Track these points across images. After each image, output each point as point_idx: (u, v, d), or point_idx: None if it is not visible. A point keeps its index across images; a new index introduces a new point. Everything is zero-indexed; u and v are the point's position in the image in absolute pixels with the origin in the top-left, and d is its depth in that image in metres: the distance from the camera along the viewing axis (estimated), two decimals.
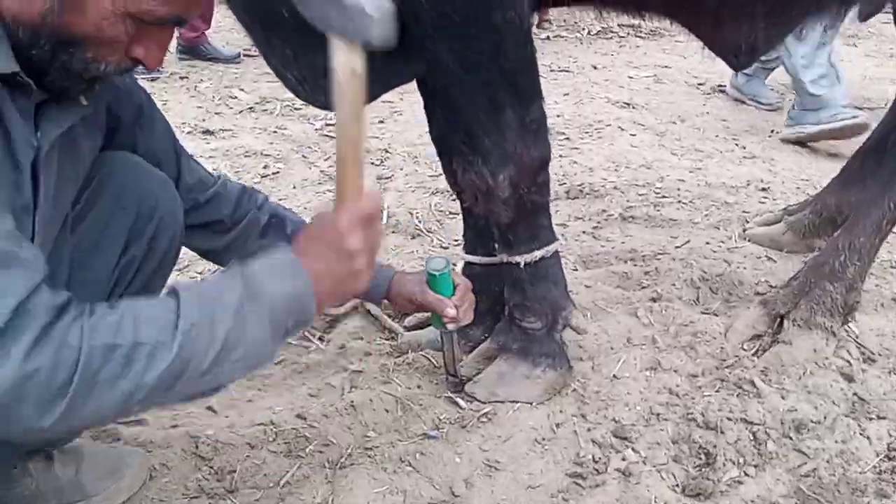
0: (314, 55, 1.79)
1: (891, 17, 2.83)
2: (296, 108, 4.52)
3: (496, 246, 2.00)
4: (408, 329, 2.35)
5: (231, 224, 1.75)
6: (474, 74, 1.65)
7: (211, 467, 1.79)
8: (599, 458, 1.81)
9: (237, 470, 1.78)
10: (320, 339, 2.34)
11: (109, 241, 1.49)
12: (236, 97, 4.67)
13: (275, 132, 4.16)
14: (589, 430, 1.89)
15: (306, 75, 1.82)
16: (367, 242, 1.33)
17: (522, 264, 1.95)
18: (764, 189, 3.49)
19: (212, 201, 1.71)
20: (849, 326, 2.30)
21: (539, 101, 1.78)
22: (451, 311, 1.85)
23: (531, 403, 1.98)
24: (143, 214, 1.52)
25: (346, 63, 1.34)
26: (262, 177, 3.58)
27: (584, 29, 6.71)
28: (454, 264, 2.29)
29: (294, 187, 3.49)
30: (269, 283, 1.21)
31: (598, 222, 3.11)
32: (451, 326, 1.90)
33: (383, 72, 1.89)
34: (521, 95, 1.72)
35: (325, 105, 1.90)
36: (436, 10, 1.56)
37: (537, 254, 1.94)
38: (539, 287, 1.99)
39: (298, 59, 1.79)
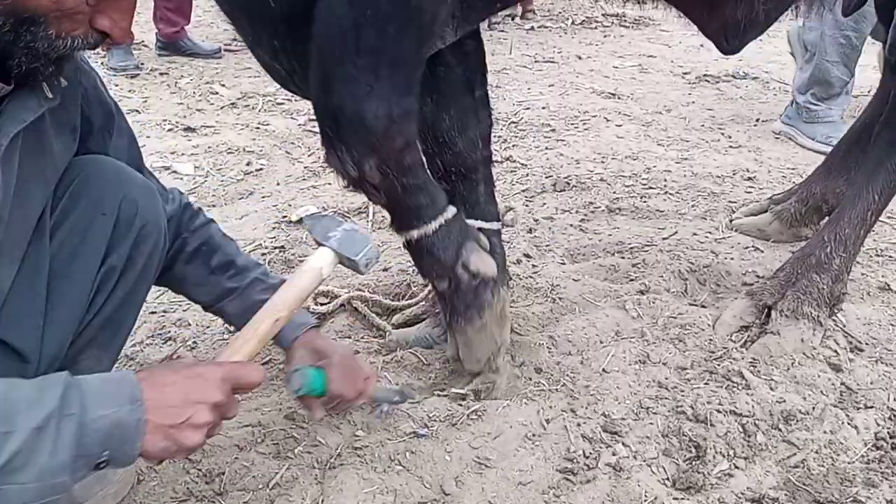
0: (304, 45, 1.76)
1: (871, 5, 2.84)
2: (278, 104, 4.49)
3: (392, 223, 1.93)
4: (396, 327, 2.34)
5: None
6: (356, 57, 1.56)
7: (199, 470, 1.77)
8: (590, 454, 1.80)
9: (226, 472, 1.76)
10: None
11: (88, 249, 1.45)
12: (217, 93, 4.63)
13: (257, 128, 4.12)
14: (579, 425, 1.88)
15: (295, 66, 1.79)
16: (223, 404, 1.22)
17: (407, 241, 1.88)
18: (750, 178, 3.50)
19: None
20: (836, 316, 2.30)
21: (411, 99, 1.69)
22: (318, 414, 1.73)
23: (520, 401, 1.97)
24: (123, 221, 1.48)
25: (321, 266, 1.50)
26: (245, 174, 3.55)
27: (568, 19, 6.70)
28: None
29: (278, 183, 3.46)
30: (93, 403, 1.09)
31: (585, 215, 3.11)
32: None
33: None
34: (395, 89, 1.63)
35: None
36: None
37: (415, 233, 1.85)
38: (427, 259, 1.90)
39: (287, 50, 1.76)
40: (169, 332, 2.36)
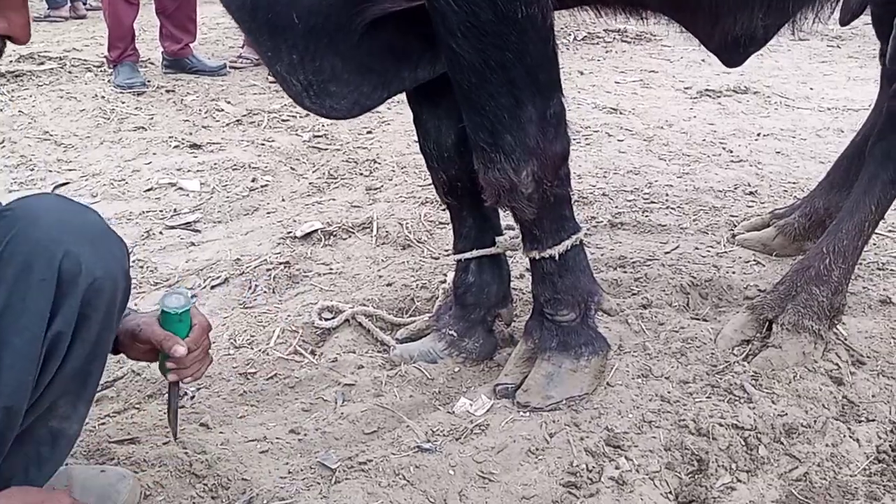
0: (321, 60, 1.80)
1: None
2: (283, 121, 4.53)
3: (525, 244, 2.00)
4: (400, 341, 2.35)
5: None
6: (498, 71, 1.66)
7: (205, 485, 1.79)
8: (593, 467, 1.81)
9: (230, 487, 1.78)
10: (312, 352, 2.34)
11: (28, 317, 1.31)
12: (223, 110, 4.67)
13: (262, 144, 4.16)
14: (582, 438, 1.89)
15: (312, 80, 1.83)
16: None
17: (553, 257, 1.95)
18: (751, 193, 3.52)
19: None
20: (837, 329, 2.31)
21: (559, 95, 1.80)
22: (181, 350, 1.57)
23: (524, 415, 1.98)
24: (65, 282, 1.33)
25: None
26: (251, 190, 3.59)
27: (570, 35, 6.75)
28: (200, 302, 2.20)
29: (283, 200, 3.49)
30: None
31: (588, 229, 3.13)
32: (171, 377, 1.67)
33: (387, 79, 1.91)
34: (541, 91, 1.74)
35: (329, 111, 1.91)
36: (462, 8, 1.57)
37: (566, 244, 1.94)
38: (568, 278, 2.00)
39: (305, 64, 1.80)
40: None
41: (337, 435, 1.95)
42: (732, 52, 2.13)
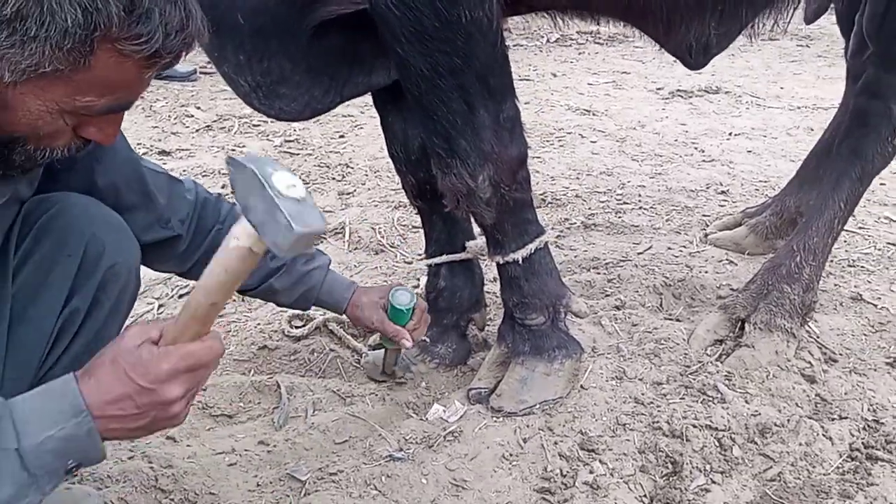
0: (270, 61, 1.77)
1: None
2: (254, 125, 4.48)
3: (489, 248, 1.99)
4: (372, 348, 2.32)
5: (190, 244, 1.69)
6: (447, 77, 1.64)
7: (172, 500, 1.74)
8: (567, 472, 1.79)
9: (198, 502, 1.73)
10: (282, 361, 2.30)
11: (50, 290, 1.40)
12: (193, 115, 4.61)
13: (233, 150, 4.11)
14: (556, 443, 1.87)
15: (260, 82, 1.80)
16: (187, 389, 1.18)
17: (517, 261, 1.93)
18: (723, 192, 3.53)
19: (178, 222, 1.66)
20: (809, 327, 2.32)
21: (512, 99, 1.78)
22: (408, 344, 1.93)
23: (498, 420, 1.95)
24: (88, 262, 1.43)
25: (247, 244, 1.15)
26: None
27: (543, 37, 6.77)
28: (419, 293, 2.30)
29: None
30: (34, 427, 1.10)
31: (561, 231, 3.12)
32: (397, 347, 1.97)
33: (340, 83, 1.88)
34: (493, 94, 1.72)
35: (278, 113, 1.88)
36: (405, 14, 1.55)
37: (530, 247, 1.93)
38: (535, 282, 1.98)
39: (252, 65, 1.77)
40: None
41: (307, 446, 1.91)
42: (691, 56, 2.13)
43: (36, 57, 1.06)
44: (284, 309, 2.49)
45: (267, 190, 1.06)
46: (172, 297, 2.67)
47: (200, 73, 5.58)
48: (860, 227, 3.10)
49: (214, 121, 4.55)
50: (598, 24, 1.98)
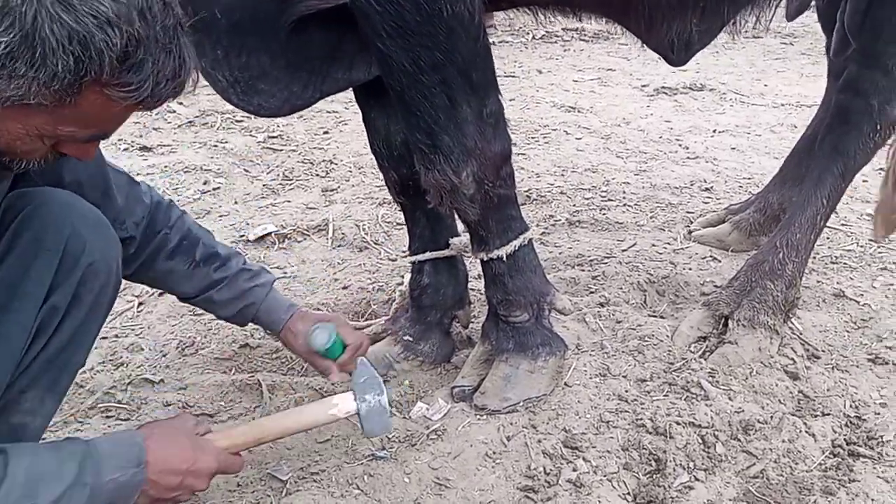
0: (248, 56, 1.74)
1: None
2: (237, 121, 4.43)
3: (473, 245, 1.97)
4: None
5: (138, 244, 1.67)
6: (429, 72, 1.62)
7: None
8: (551, 470, 1.78)
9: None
10: (263, 359, 2.27)
11: (30, 286, 1.38)
12: (174, 111, 4.55)
13: (215, 146, 4.07)
14: (540, 441, 1.86)
15: (238, 77, 1.78)
16: (199, 489, 1.45)
17: (501, 257, 1.91)
18: (707, 189, 3.53)
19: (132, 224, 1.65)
20: (792, 323, 2.33)
21: (495, 94, 1.76)
22: (335, 377, 1.85)
23: (481, 418, 1.94)
24: (68, 258, 1.41)
25: (340, 416, 1.66)
26: (203, 193, 3.49)
27: (528, 34, 6.75)
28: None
29: (235, 202, 3.41)
30: (105, 469, 1.27)
31: (546, 228, 3.11)
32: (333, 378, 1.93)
33: (319, 78, 1.86)
34: (476, 90, 1.70)
35: (257, 109, 1.85)
36: (385, 8, 1.53)
37: (514, 244, 1.91)
38: (519, 279, 1.96)
39: (230, 60, 1.74)
40: (121, 357, 2.29)
41: (288, 445, 1.89)
42: (673, 52, 2.12)
43: (21, 90, 1.06)
44: None
45: (384, 397, 1.66)
46: (153, 294, 2.63)
47: None
48: (842, 224, 3.12)
49: (197, 116, 4.50)
50: (580, 20, 1.97)
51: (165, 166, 3.75)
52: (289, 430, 1.64)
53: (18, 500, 1.18)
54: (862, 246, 2.95)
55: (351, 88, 2.00)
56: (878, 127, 2.19)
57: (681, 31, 1.94)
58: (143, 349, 2.33)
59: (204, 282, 1.76)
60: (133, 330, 2.44)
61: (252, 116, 4.38)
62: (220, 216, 3.27)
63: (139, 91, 1.12)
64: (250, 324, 1.87)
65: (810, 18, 5.23)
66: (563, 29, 6.84)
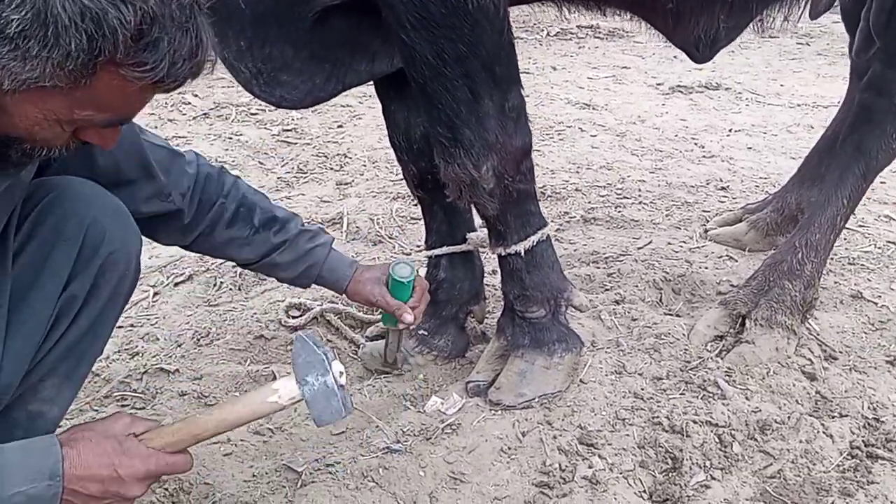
0: (271, 47, 1.74)
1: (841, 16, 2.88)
2: (252, 114, 4.44)
3: (490, 240, 1.96)
4: (370, 339, 2.30)
5: (193, 218, 1.67)
6: (452, 65, 1.61)
7: (166, 489, 1.72)
8: (566, 467, 1.78)
9: (192, 492, 1.72)
10: (278, 350, 2.28)
11: (49, 275, 1.38)
12: (190, 103, 4.57)
13: (230, 138, 4.07)
14: (555, 437, 1.86)
15: (262, 68, 1.77)
16: (130, 497, 1.30)
17: (519, 253, 1.91)
18: (723, 188, 3.52)
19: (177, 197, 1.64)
20: (810, 324, 2.31)
21: (517, 88, 1.75)
22: (409, 318, 1.86)
23: (497, 414, 1.94)
24: (88, 248, 1.41)
25: (285, 404, 1.40)
26: None
27: (542, 30, 6.73)
28: (418, 270, 2.27)
29: None
30: (10, 479, 1.18)
31: (561, 225, 3.10)
32: (401, 326, 1.92)
33: (342, 70, 1.86)
34: (499, 83, 1.69)
35: (279, 100, 1.85)
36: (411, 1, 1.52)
37: (532, 239, 1.90)
38: (536, 274, 1.96)
39: (254, 51, 1.74)
40: (136, 346, 2.30)
41: (303, 436, 1.89)
42: (698, 49, 2.11)
43: (37, 72, 1.04)
44: (281, 299, 2.49)
45: (329, 377, 1.37)
46: (168, 284, 2.64)
47: None
48: (860, 225, 3.09)
49: (212, 108, 4.51)
50: (604, 15, 1.96)
51: None
52: (228, 423, 1.42)
53: None
54: (880, 247, 2.93)
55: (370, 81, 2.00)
56: None
57: (708, 27, 1.92)
58: (158, 339, 2.34)
59: (265, 246, 1.76)
60: (149, 320, 2.45)
61: (267, 109, 4.41)
62: None
63: (155, 71, 1.09)
64: (314, 284, 1.88)
65: (827, 19, 5.20)
66: (577, 26, 6.81)
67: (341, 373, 1.40)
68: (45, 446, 1.24)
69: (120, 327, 2.37)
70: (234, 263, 2.71)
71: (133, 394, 2.08)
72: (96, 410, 2.01)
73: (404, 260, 1.88)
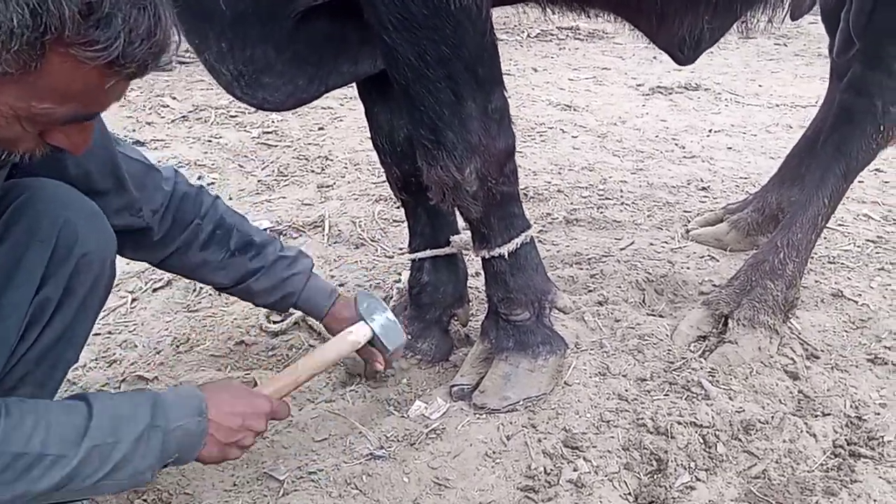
0: (253, 49, 1.71)
1: (818, 17, 2.90)
2: (231, 116, 4.39)
3: (474, 243, 1.95)
4: None
5: (164, 236, 1.65)
6: (434, 66, 1.59)
7: (144, 500, 1.69)
8: (551, 470, 1.77)
9: (172, 502, 1.68)
10: (259, 356, 2.25)
11: (21, 277, 1.36)
12: (168, 106, 4.51)
13: (209, 141, 4.03)
14: (540, 440, 1.84)
15: (243, 70, 1.75)
16: (259, 431, 1.54)
17: (503, 255, 1.89)
18: (704, 188, 3.53)
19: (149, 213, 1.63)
20: (792, 323, 2.32)
21: (500, 90, 1.74)
22: (380, 368, 1.94)
23: (481, 417, 1.92)
24: (61, 249, 1.39)
25: (363, 341, 1.82)
26: None
27: (523, 32, 6.74)
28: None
29: (230, 198, 3.38)
30: (173, 415, 1.36)
31: (543, 226, 3.09)
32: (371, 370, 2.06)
33: (324, 72, 1.84)
34: (481, 85, 1.68)
35: (261, 103, 1.82)
36: (392, 1, 1.50)
37: (516, 242, 1.89)
38: (520, 277, 1.94)
39: (235, 53, 1.71)
40: (114, 354, 2.26)
41: (285, 444, 1.86)
42: (682, 50, 2.11)
43: None
44: None
45: (389, 312, 1.87)
46: (146, 290, 2.60)
47: (176, 62, 5.47)
48: (839, 224, 3.12)
49: (190, 111, 4.46)
50: (588, 16, 1.95)
51: (159, 161, 3.69)
52: (318, 366, 1.74)
53: (104, 439, 1.27)
54: (859, 246, 2.95)
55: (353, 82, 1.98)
56: (882, 128, 2.19)
57: (692, 28, 1.92)
58: (136, 346, 2.30)
59: (240, 272, 1.75)
60: (126, 326, 2.41)
61: (247, 111, 4.37)
62: None
63: (108, 50, 1.03)
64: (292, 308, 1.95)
65: (804, 20, 5.25)
66: (558, 28, 6.83)
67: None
68: (191, 390, 1.46)
69: (97, 334, 2.33)
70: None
71: None
72: None
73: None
